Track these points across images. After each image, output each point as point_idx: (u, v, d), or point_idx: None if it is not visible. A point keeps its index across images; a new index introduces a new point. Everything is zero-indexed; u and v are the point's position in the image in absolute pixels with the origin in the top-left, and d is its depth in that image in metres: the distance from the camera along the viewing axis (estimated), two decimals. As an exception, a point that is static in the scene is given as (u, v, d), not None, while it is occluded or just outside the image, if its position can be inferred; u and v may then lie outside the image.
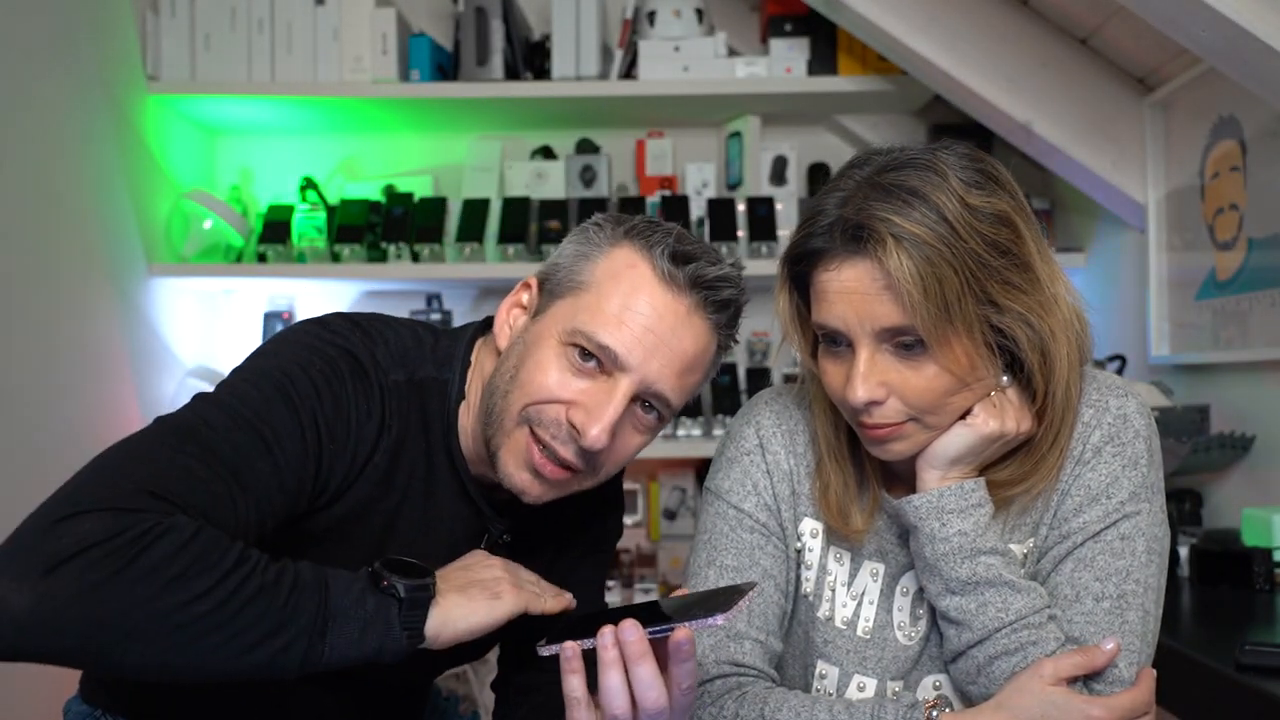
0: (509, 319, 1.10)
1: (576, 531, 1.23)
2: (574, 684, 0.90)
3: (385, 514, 1.05)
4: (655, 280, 1.01)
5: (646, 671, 0.88)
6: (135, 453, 0.86)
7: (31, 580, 0.75)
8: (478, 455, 1.09)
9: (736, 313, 1.07)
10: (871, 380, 0.98)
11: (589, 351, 1.01)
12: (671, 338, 1.01)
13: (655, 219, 1.08)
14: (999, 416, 1.01)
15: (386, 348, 1.05)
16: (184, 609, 0.78)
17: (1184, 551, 1.76)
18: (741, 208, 2.54)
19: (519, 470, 1.03)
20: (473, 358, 1.11)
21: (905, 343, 0.97)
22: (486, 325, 1.15)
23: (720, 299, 1.04)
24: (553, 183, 2.66)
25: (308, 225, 2.54)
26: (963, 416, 1.01)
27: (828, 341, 1.02)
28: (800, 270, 1.03)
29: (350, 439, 0.99)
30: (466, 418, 1.09)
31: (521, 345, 1.05)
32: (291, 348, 1.00)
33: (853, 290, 0.96)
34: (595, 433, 0.99)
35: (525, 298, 1.10)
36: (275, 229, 2.52)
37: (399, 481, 1.05)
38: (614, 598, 2.47)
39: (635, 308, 1.01)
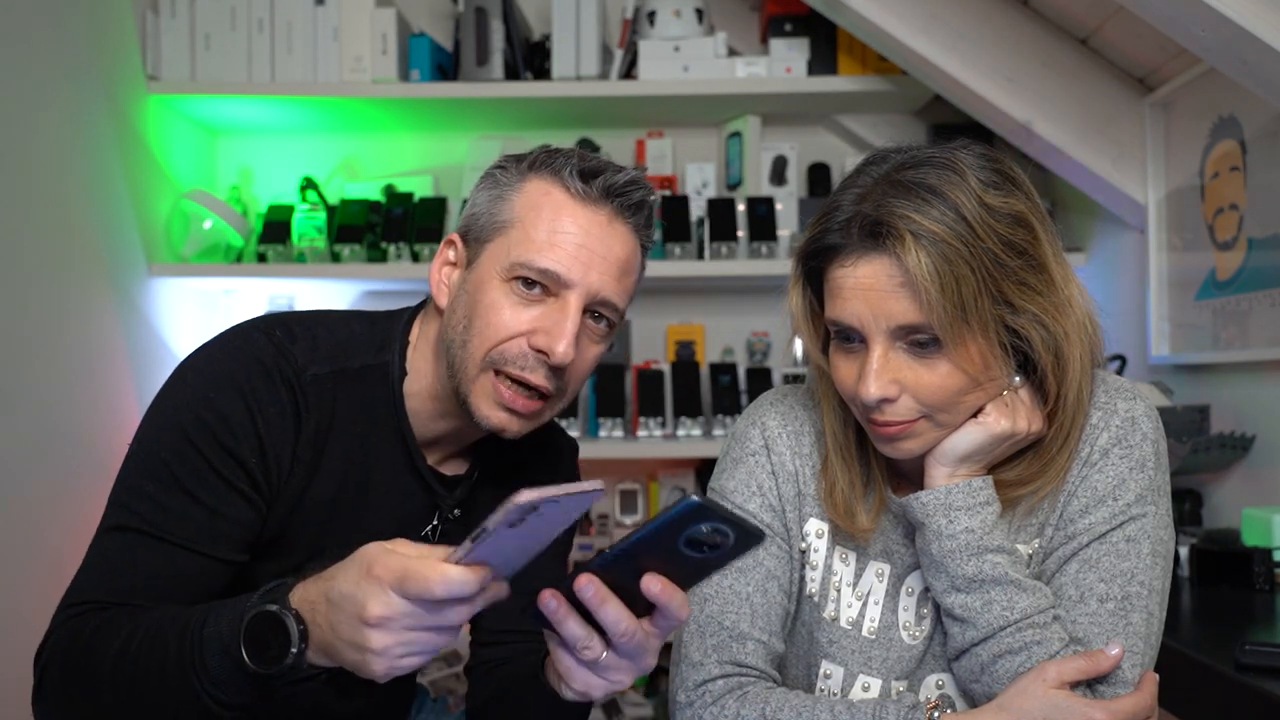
0: (443, 278, 1.15)
1: None
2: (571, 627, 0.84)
3: (321, 505, 1.10)
4: (572, 200, 1.08)
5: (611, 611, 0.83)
6: (89, 559, 1.02)
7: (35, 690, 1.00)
8: (433, 419, 1.14)
9: (650, 213, 1.14)
10: (885, 377, 0.98)
11: (532, 279, 1.07)
12: (602, 248, 1.08)
13: (553, 147, 1.14)
14: (1010, 416, 1.01)
15: (312, 344, 1.10)
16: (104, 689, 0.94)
17: (1184, 551, 1.75)
18: (741, 208, 2.54)
19: (494, 411, 1.09)
20: (411, 337, 1.16)
21: (919, 340, 0.97)
22: (421, 305, 1.20)
23: (633, 202, 1.11)
24: (553, 183, 2.66)
25: (308, 225, 2.54)
26: (974, 415, 1.02)
27: (840, 338, 1.02)
28: (814, 266, 1.03)
29: (273, 438, 1.05)
30: (416, 392, 1.13)
31: (464, 295, 1.10)
32: (193, 381, 1.05)
33: (869, 287, 0.97)
34: (562, 348, 1.06)
35: (452, 254, 1.15)
36: (275, 229, 2.52)
37: (330, 469, 1.09)
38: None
39: (562, 229, 1.07)
